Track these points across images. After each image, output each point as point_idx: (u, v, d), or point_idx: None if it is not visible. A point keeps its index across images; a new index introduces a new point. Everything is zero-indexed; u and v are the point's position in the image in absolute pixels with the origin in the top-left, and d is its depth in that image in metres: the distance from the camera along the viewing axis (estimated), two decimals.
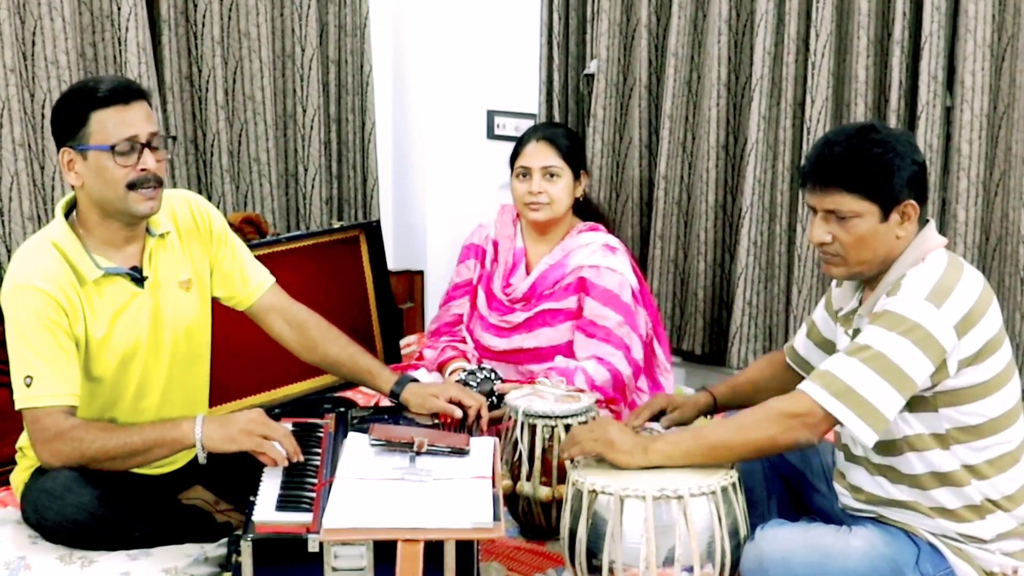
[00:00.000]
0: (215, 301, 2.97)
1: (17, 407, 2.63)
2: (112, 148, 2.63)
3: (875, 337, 2.39)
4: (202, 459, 2.63)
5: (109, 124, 2.63)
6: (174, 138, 2.69)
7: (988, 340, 2.43)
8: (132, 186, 2.65)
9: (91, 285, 2.68)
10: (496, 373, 3.37)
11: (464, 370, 3.38)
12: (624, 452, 2.52)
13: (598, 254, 3.49)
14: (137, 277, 2.75)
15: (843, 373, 2.39)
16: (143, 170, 2.65)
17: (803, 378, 2.79)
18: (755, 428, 2.45)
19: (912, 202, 2.46)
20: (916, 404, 2.42)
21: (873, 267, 2.51)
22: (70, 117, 2.66)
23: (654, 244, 4.19)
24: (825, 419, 2.40)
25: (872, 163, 2.44)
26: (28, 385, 2.60)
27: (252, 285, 2.96)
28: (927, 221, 2.53)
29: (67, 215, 2.73)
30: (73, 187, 2.71)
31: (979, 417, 2.45)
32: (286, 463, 2.58)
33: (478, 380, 3.30)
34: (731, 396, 2.88)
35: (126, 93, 2.67)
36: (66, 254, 2.66)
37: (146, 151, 2.66)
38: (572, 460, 2.63)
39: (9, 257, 3.56)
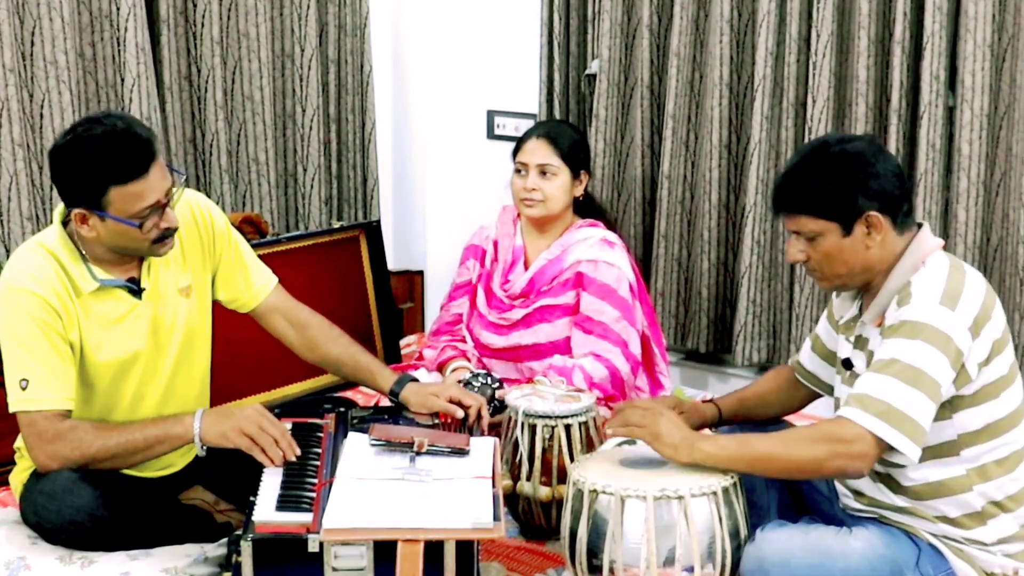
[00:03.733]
0: (215, 303, 2.95)
1: (12, 410, 2.61)
2: (139, 224, 2.58)
3: (899, 349, 2.37)
4: (200, 452, 2.63)
5: (131, 198, 2.56)
6: (183, 175, 2.66)
7: (996, 340, 2.43)
8: (156, 240, 2.64)
9: (87, 296, 2.65)
10: (494, 378, 3.35)
11: (461, 379, 3.36)
12: (670, 446, 2.49)
13: (596, 248, 3.49)
14: (135, 288, 2.72)
15: (878, 392, 2.36)
16: (166, 228, 2.63)
17: (812, 392, 2.80)
18: (802, 447, 2.40)
19: (874, 213, 2.45)
20: None
21: (854, 279, 2.52)
22: (86, 187, 2.56)
23: (658, 243, 4.19)
24: (875, 444, 2.35)
25: (820, 182, 2.46)
26: (23, 388, 2.58)
27: (256, 287, 2.95)
28: (920, 225, 2.52)
29: (64, 222, 2.69)
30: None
31: (988, 418, 2.44)
32: (273, 465, 2.57)
33: (477, 387, 3.28)
34: (737, 409, 2.86)
35: (142, 162, 2.57)
36: (62, 263, 2.63)
37: (166, 209, 2.62)
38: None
39: (8, 257, 3.55)
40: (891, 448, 2.35)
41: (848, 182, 2.45)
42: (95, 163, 2.55)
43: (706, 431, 2.87)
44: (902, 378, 2.35)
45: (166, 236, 2.65)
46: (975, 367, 2.40)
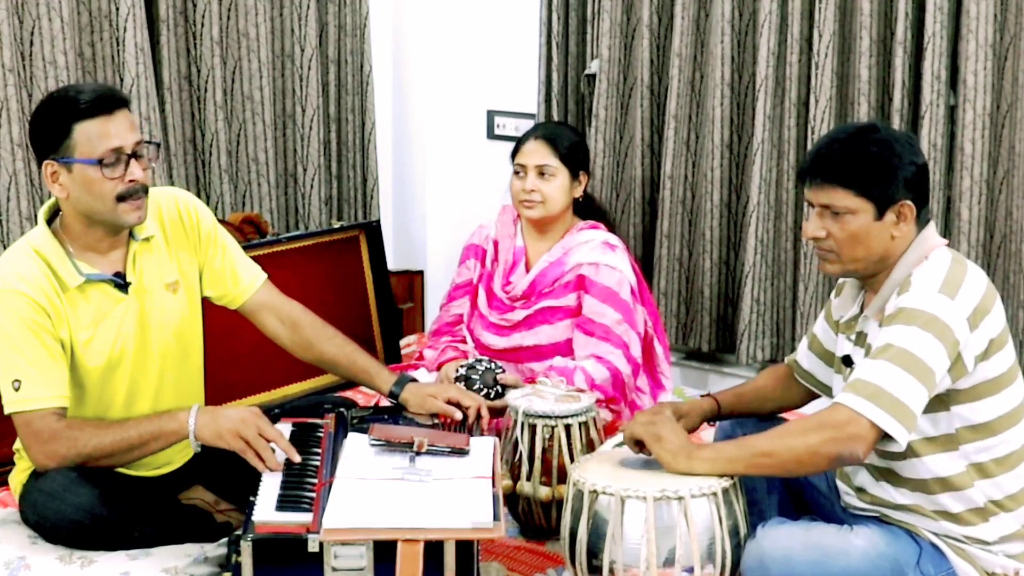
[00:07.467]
0: (208, 302, 2.94)
1: (7, 412, 2.61)
2: (100, 162, 2.59)
3: (896, 335, 2.37)
4: (195, 448, 2.63)
5: (94, 136, 2.58)
6: (158, 144, 2.67)
7: (995, 336, 2.43)
8: (121, 198, 2.62)
9: (74, 291, 2.65)
10: (497, 363, 3.35)
11: (464, 364, 3.37)
12: (669, 451, 2.49)
13: (597, 251, 3.49)
14: (120, 283, 2.72)
15: (871, 376, 2.36)
16: (131, 181, 2.62)
17: (809, 391, 2.80)
18: (797, 438, 2.39)
19: (908, 203, 2.45)
20: (928, 404, 2.40)
21: (868, 266, 2.50)
22: (52, 129, 2.61)
23: (660, 243, 4.19)
24: (869, 429, 2.34)
25: (869, 161, 2.45)
26: (17, 389, 2.58)
27: (244, 283, 2.93)
28: (928, 221, 2.52)
29: (49, 221, 2.70)
30: (57, 199, 2.67)
31: (988, 414, 2.44)
32: (266, 470, 2.56)
33: (480, 372, 3.29)
34: (735, 403, 2.85)
35: (108, 102, 2.61)
36: (48, 261, 2.63)
37: (132, 161, 2.62)
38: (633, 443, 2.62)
39: None
40: (885, 434, 2.34)
41: (895, 166, 2.45)
42: (62, 103, 2.62)
43: (704, 428, 2.88)
44: (895, 362, 2.34)
45: (133, 194, 2.62)
46: (972, 359, 2.40)
